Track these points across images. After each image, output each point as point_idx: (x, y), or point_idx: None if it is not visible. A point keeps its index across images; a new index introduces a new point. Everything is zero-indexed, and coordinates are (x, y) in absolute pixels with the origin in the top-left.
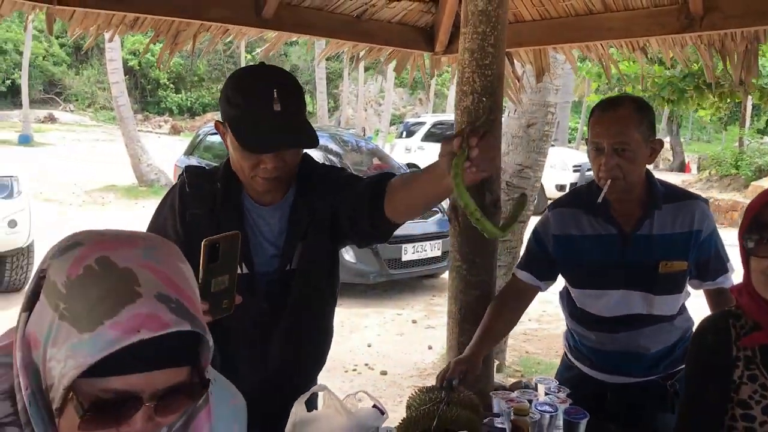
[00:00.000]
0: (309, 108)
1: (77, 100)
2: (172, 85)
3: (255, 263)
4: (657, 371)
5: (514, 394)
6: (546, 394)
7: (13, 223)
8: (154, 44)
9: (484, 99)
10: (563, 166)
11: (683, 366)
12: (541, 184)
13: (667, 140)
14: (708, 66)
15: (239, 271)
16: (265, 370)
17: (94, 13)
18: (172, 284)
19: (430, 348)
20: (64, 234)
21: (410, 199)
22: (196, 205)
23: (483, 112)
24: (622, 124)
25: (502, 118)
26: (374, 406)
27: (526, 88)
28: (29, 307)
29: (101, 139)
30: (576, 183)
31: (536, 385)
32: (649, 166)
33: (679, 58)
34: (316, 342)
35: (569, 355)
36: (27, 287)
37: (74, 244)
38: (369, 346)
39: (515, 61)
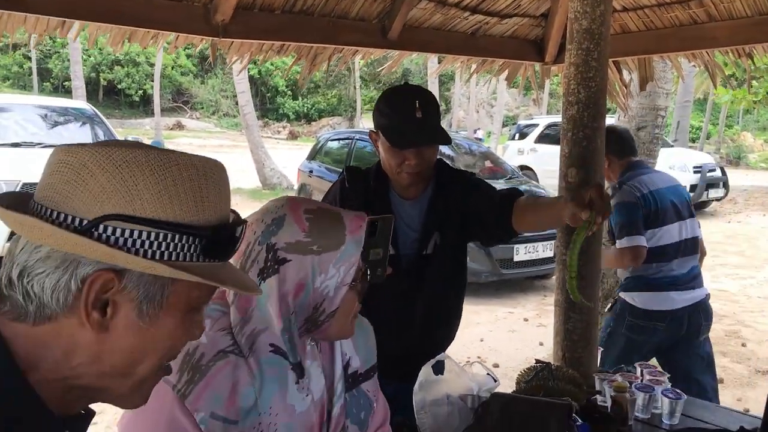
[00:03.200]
0: None
1: (202, 107)
2: (289, 92)
3: (399, 246)
4: None
5: (616, 376)
6: (646, 376)
7: None
8: (289, 63)
9: (588, 108)
10: (683, 167)
11: None
12: None
13: None
14: None
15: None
16: (405, 338)
17: (249, 43)
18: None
19: (541, 344)
20: None
21: (533, 221)
22: (353, 197)
23: (588, 120)
24: None
25: (613, 121)
26: (488, 374)
27: (635, 93)
28: (276, 271)
29: (225, 144)
30: (696, 185)
31: (637, 368)
32: None
33: None
34: (447, 318)
35: None
36: (256, 262)
37: (278, 219)
38: (481, 341)
39: (623, 68)
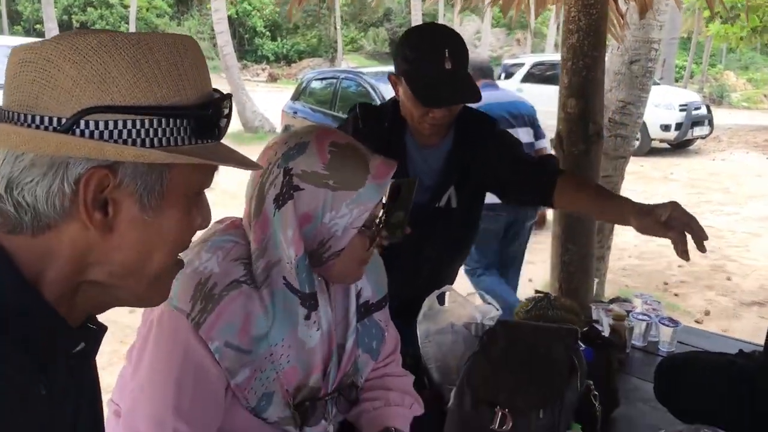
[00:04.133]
0: None
1: None
2: (268, 33)
3: None
4: None
5: (612, 305)
6: (642, 305)
7: None
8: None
9: (588, 37)
10: (668, 106)
11: None
12: (645, 124)
13: None
14: None
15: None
16: (410, 284)
17: None
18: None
19: (530, 281)
20: None
21: (585, 211)
22: (367, 139)
23: (588, 49)
24: None
25: (606, 56)
26: (489, 303)
27: (629, 25)
28: (291, 197)
29: None
30: (682, 123)
31: (634, 299)
32: None
33: None
34: (454, 264)
35: None
36: (274, 186)
37: (301, 144)
38: None
39: None
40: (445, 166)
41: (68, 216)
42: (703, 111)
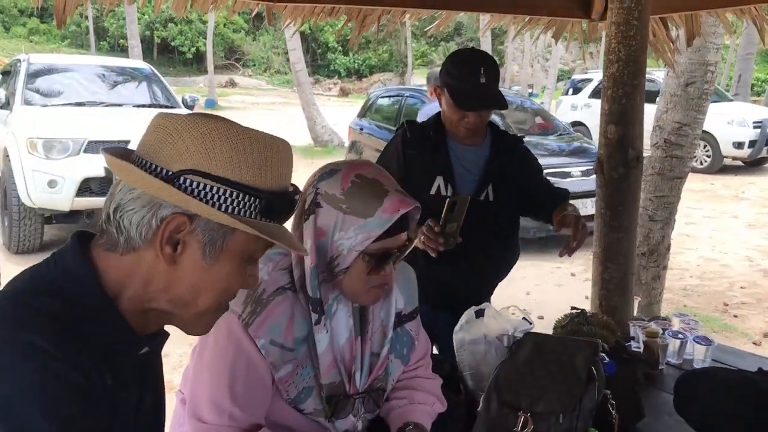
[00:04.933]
0: None
1: (254, 65)
2: (340, 48)
3: (457, 185)
4: None
5: (650, 323)
6: (680, 324)
7: None
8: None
9: (628, 66)
10: (742, 123)
11: None
12: (716, 141)
13: None
14: None
15: (444, 193)
16: (454, 275)
17: (302, 6)
18: (395, 184)
19: (586, 298)
20: None
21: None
22: (414, 147)
23: (627, 78)
24: None
25: (661, 78)
26: (523, 318)
27: (684, 48)
28: (313, 212)
29: (277, 102)
30: (756, 140)
31: (671, 317)
32: None
33: None
34: (494, 258)
35: None
36: (306, 202)
37: (333, 170)
38: (527, 294)
39: (670, 24)
40: (484, 164)
41: (148, 244)
42: None
